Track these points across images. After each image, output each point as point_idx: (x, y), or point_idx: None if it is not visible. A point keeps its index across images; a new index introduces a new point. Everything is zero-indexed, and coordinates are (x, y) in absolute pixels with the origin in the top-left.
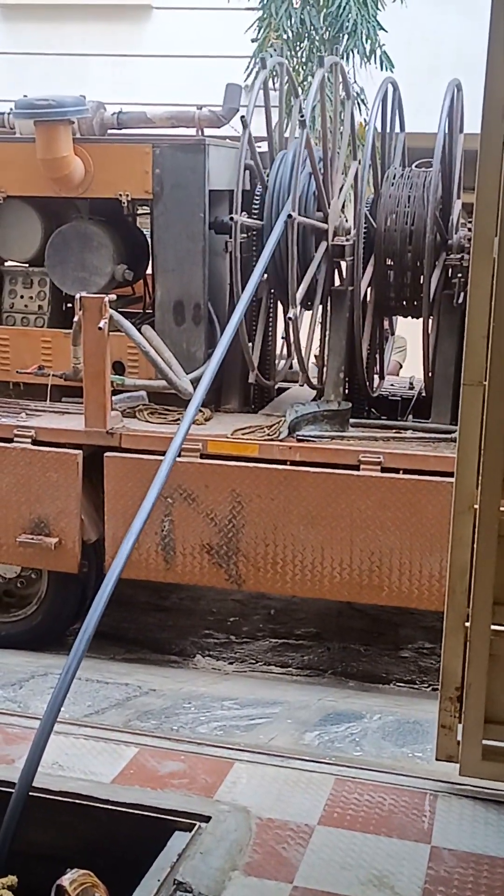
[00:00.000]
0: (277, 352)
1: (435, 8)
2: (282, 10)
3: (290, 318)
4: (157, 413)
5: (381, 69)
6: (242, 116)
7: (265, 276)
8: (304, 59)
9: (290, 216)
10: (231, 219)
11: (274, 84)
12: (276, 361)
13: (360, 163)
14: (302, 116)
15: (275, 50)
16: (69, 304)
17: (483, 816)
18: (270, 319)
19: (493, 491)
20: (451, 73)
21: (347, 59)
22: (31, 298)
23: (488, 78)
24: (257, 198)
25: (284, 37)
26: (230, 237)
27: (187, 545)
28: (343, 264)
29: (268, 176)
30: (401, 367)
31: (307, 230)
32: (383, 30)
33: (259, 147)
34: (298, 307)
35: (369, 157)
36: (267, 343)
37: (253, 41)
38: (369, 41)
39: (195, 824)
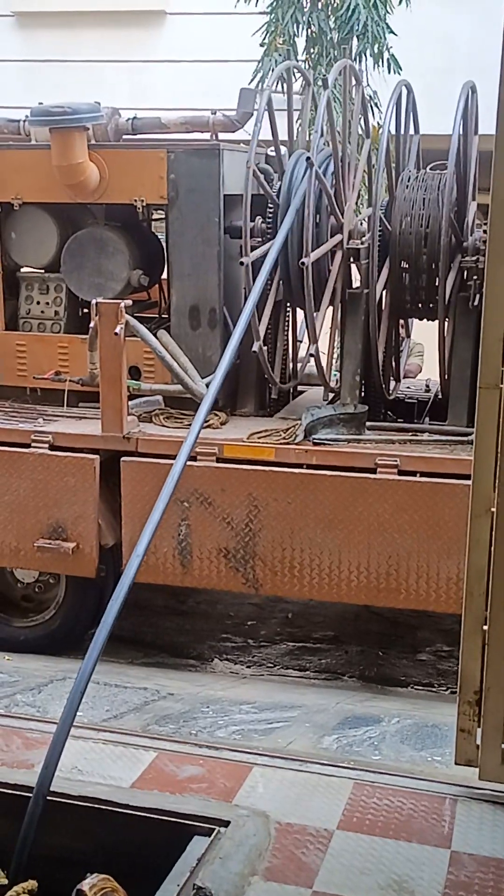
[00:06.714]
0: (300, 354)
1: (448, 9)
2: (288, 15)
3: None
4: (174, 417)
5: (389, 72)
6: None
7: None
8: (314, 63)
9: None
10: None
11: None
12: (299, 365)
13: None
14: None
15: (280, 55)
16: (85, 310)
17: (503, 821)
18: (287, 322)
19: None
20: (465, 75)
21: (360, 62)
22: (48, 304)
23: (503, 78)
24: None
25: (292, 41)
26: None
27: (204, 549)
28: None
29: (280, 179)
30: (420, 369)
31: (320, 235)
32: (392, 33)
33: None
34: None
35: (384, 159)
36: (284, 346)
37: (261, 45)
38: (378, 44)
39: (214, 829)
